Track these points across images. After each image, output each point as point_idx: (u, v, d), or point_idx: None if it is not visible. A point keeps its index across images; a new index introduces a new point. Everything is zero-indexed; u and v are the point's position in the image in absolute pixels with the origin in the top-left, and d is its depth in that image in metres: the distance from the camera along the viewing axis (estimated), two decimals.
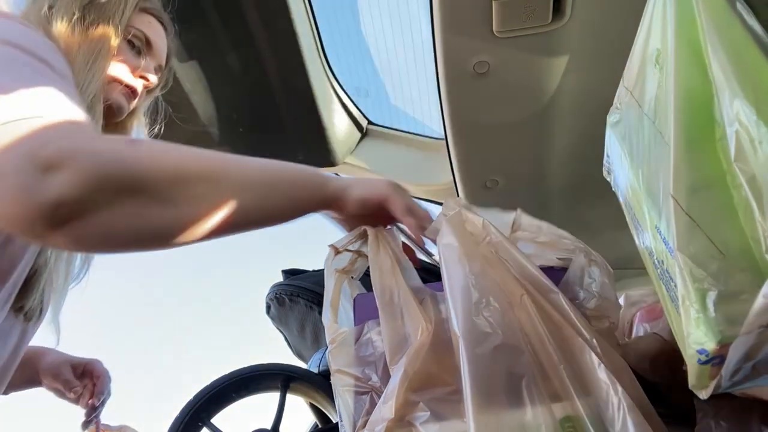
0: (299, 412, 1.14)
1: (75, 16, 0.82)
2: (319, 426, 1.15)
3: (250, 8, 1.37)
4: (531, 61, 1.10)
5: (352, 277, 0.81)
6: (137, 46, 0.92)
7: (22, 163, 0.47)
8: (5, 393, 0.90)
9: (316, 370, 1.08)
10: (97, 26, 0.83)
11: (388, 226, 0.81)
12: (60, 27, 0.81)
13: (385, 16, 1.67)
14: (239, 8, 1.37)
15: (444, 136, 1.30)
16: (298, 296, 1.38)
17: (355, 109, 1.79)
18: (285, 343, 1.57)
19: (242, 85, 1.55)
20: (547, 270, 0.63)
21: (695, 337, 0.40)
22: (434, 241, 0.70)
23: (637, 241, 0.56)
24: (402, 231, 0.82)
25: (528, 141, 1.29)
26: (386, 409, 0.55)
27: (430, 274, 1.03)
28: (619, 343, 0.67)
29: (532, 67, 1.11)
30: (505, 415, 0.51)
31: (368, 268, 0.74)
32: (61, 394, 1.06)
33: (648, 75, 0.53)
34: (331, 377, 0.67)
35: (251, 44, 1.45)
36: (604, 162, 0.68)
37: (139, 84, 0.93)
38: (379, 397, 0.59)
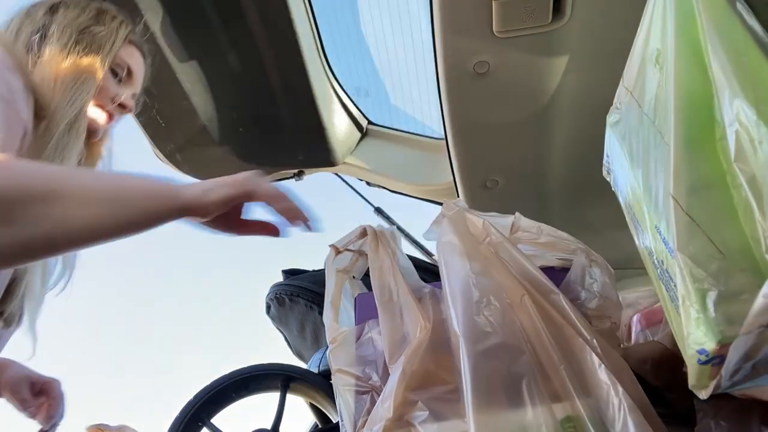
0: (299, 412, 1.14)
1: (69, 41, 0.86)
2: (319, 426, 1.15)
3: (250, 8, 1.37)
4: (531, 61, 1.10)
5: (353, 277, 0.81)
6: (119, 75, 0.95)
7: None
8: None
9: (316, 370, 1.08)
10: (87, 54, 0.87)
11: (387, 227, 0.81)
12: (52, 50, 0.84)
13: (385, 16, 1.67)
14: (239, 8, 1.37)
15: (444, 136, 1.30)
16: (298, 296, 1.38)
17: (355, 109, 1.79)
18: (285, 343, 1.57)
19: (242, 85, 1.55)
20: (548, 270, 0.63)
21: (695, 337, 0.40)
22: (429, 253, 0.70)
23: (637, 242, 0.56)
24: (402, 231, 0.82)
25: (528, 141, 1.29)
26: (385, 408, 0.55)
27: (430, 273, 1.03)
28: (620, 344, 0.67)
29: (532, 67, 1.11)
30: (506, 414, 0.51)
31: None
32: (18, 409, 1.07)
33: (648, 75, 0.53)
34: (332, 377, 0.67)
35: (251, 44, 1.45)
36: (604, 162, 0.68)
37: (116, 110, 0.96)
38: (380, 396, 0.59)
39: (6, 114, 0.67)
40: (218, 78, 1.53)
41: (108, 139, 1.01)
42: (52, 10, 0.89)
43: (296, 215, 0.72)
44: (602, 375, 0.52)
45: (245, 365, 1.02)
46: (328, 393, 0.99)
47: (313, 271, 1.49)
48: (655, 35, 0.52)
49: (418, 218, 1.84)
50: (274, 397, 1.01)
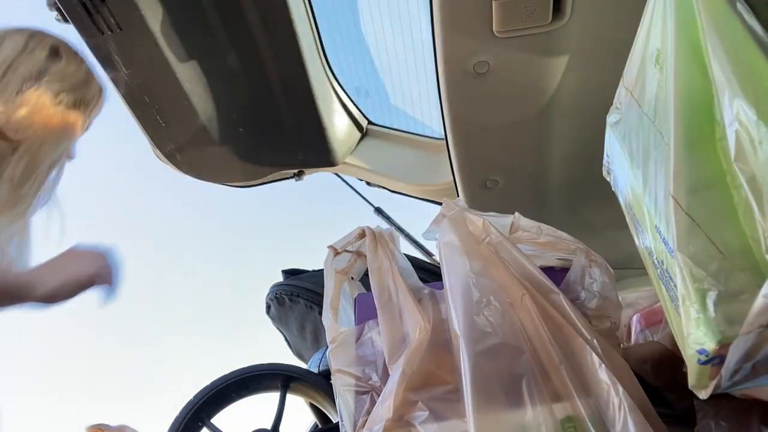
0: (299, 412, 1.14)
1: (61, 95, 0.89)
2: (319, 426, 1.15)
3: (250, 8, 1.37)
4: (531, 61, 1.10)
5: (351, 278, 0.81)
6: (87, 127, 1.00)
7: None
8: None
9: (316, 370, 1.08)
10: (75, 111, 0.92)
11: (386, 228, 0.81)
12: (43, 97, 0.87)
13: (385, 16, 1.67)
14: (239, 8, 1.37)
15: (444, 136, 1.30)
16: (298, 296, 1.38)
17: (355, 109, 1.79)
18: (285, 343, 1.57)
19: (242, 85, 1.55)
20: (548, 270, 0.63)
21: (695, 337, 0.40)
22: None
23: (637, 241, 0.56)
24: (402, 231, 0.82)
25: (528, 141, 1.29)
26: (385, 408, 0.55)
27: (429, 273, 1.03)
28: (620, 344, 0.67)
29: (532, 67, 1.11)
30: (506, 414, 0.51)
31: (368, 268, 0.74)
32: None
33: (648, 75, 0.53)
34: (332, 377, 0.67)
35: (251, 44, 1.45)
36: (604, 162, 0.68)
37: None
38: (380, 396, 0.59)
39: None
40: (218, 78, 1.53)
41: None
42: (54, 53, 0.90)
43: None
44: (602, 375, 0.52)
45: (245, 365, 1.02)
46: (328, 393, 0.99)
47: (313, 271, 1.49)
48: (655, 35, 0.52)
49: (418, 218, 1.84)
50: (274, 397, 1.01)
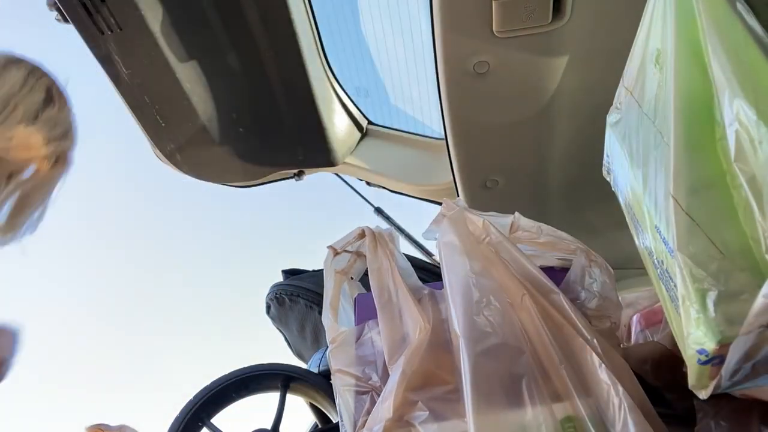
0: (299, 412, 1.14)
1: (50, 143, 0.88)
2: (319, 426, 1.15)
3: (250, 8, 1.37)
4: (531, 61, 1.10)
5: (351, 278, 0.81)
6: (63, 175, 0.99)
7: None
8: None
9: (316, 370, 1.08)
10: (56, 160, 0.91)
11: (386, 228, 0.81)
12: (33, 138, 0.86)
13: (385, 16, 1.67)
14: (239, 8, 1.37)
15: (444, 136, 1.30)
16: (298, 296, 1.38)
17: (355, 109, 1.79)
18: (285, 343, 1.57)
19: (242, 85, 1.55)
20: (548, 270, 0.64)
21: (695, 337, 0.40)
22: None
23: (637, 241, 0.56)
24: (402, 231, 0.83)
25: (528, 141, 1.29)
26: (385, 408, 0.55)
27: (429, 273, 1.03)
28: (620, 344, 0.67)
29: (532, 67, 1.11)
30: (506, 414, 0.51)
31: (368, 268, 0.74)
32: None
33: (648, 75, 0.53)
34: (332, 377, 0.67)
35: (251, 44, 1.45)
36: (604, 162, 0.68)
37: None
38: (380, 396, 0.59)
39: None
40: (218, 78, 1.53)
41: None
42: (49, 97, 0.89)
43: None
44: (602, 375, 0.52)
45: (245, 365, 1.02)
46: (328, 393, 0.99)
47: (313, 271, 1.49)
48: (655, 35, 0.52)
49: (418, 218, 1.84)
50: (274, 397, 1.01)
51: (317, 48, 1.58)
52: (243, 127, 1.67)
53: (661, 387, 0.63)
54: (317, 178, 1.91)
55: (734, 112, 0.38)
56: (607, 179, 0.68)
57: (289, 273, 1.51)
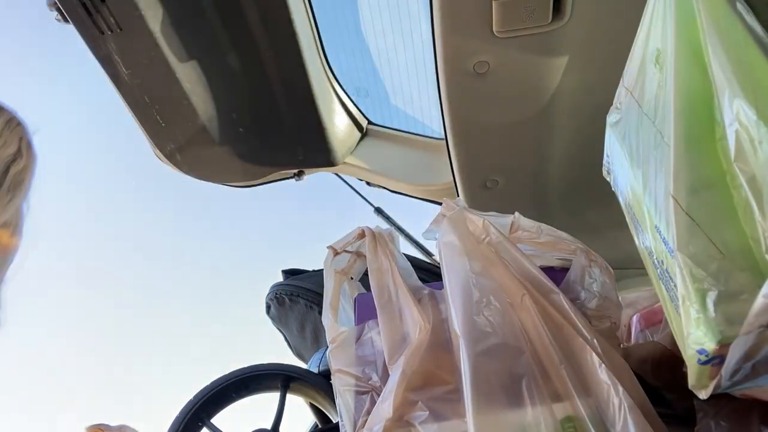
0: (299, 412, 1.14)
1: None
2: (319, 426, 1.15)
3: (250, 8, 1.37)
4: (531, 61, 1.10)
5: (351, 278, 0.81)
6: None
7: None
8: None
9: (316, 370, 1.08)
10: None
11: (386, 228, 0.81)
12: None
13: (385, 16, 1.67)
14: (239, 8, 1.37)
15: (444, 136, 1.30)
16: (298, 296, 1.38)
17: (355, 109, 1.79)
18: (285, 343, 1.57)
19: (242, 84, 1.55)
20: (548, 270, 0.64)
21: (695, 337, 0.40)
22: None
23: (637, 241, 0.56)
24: (402, 231, 0.83)
25: (528, 141, 1.29)
26: (385, 408, 0.55)
27: (429, 273, 1.03)
28: (620, 344, 0.67)
29: (532, 67, 1.11)
30: (505, 414, 0.51)
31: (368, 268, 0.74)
32: None
33: (648, 75, 0.53)
34: (332, 377, 0.67)
35: (251, 44, 1.45)
36: (604, 162, 0.68)
37: None
38: (380, 396, 0.59)
39: None
40: (218, 78, 1.53)
41: None
42: (18, 152, 0.82)
43: None
44: (602, 375, 0.52)
45: (245, 365, 1.02)
46: (328, 393, 0.99)
47: (313, 271, 1.49)
48: (655, 35, 0.52)
49: (418, 218, 1.84)
50: (274, 397, 1.01)
51: (317, 48, 1.58)
52: (243, 127, 1.67)
53: (661, 387, 0.63)
54: (317, 178, 1.91)
55: (734, 112, 0.38)
56: (607, 179, 0.68)
57: (289, 273, 1.51)
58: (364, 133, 1.85)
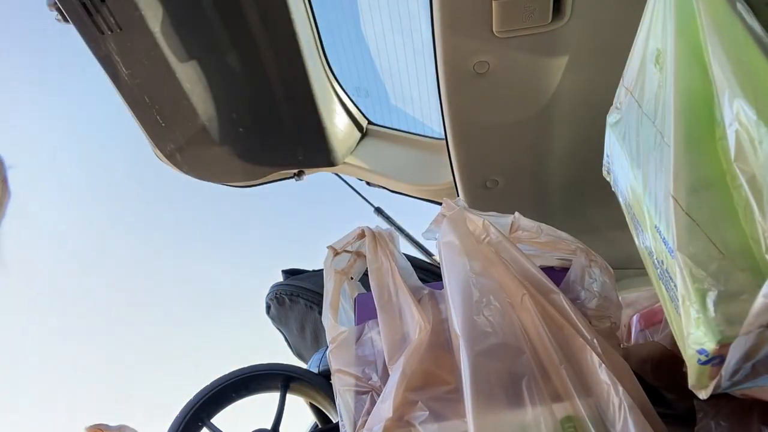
0: (299, 412, 1.14)
1: None
2: (319, 426, 1.15)
3: (250, 8, 1.37)
4: (531, 61, 1.10)
5: (351, 278, 0.81)
6: None
7: None
8: None
9: (316, 370, 1.08)
10: None
11: (386, 228, 0.81)
12: None
13: (385, 16, 1.67)
14: (239, 8, 1.37)
15: (444, 136, 1.30)
16: (298, 296, 1.38)
17: (355, 109, 1.79)
18: (285, 343, 1.57)
19: (242, 85, 1.55)
20: (548, 270, 0.64)
21: (695, 337, 0.40)
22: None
23: (637, 241, 0.56)
24: (402, 231, 0.83)
25: (528, 141, 1.29)
26: (385, 408, 0.55)
27: (429, 273, 1.03)
28: (620, 344, 0.67)
29: (532, 67, 1.11)
30: (505, 414, 0.51)
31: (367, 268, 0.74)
32: None
33: (648, 75, 0.53)
34: (332, 377, 0.67)
35: (251, 44, 1.45)
36: (604, 162, 0.68)
37: None
38: (380, 396, 0.59)
39: None
40: (218, 78, 1.53)
41: None
42: None
43: None
44: (602, 375, 0.52)
45: (245, 365, 1.02)
46: (328, 393, 0.99)
47: (313, 271, 1.49)
48: (655, 35, 0.52)
49: (418, 218, 1.84)
50: (274, 397, 1.01)
51: (317, 48, 1.58)
52: (243, 127, 1.67)
53: (661, 387, 0.63)
54: (317, 178, 1.92)
55: (734, 112, 0.38)
56: (607, 179, 0.68)
57: (289, 273, 1.51)
58: (364, 133, 1.85)
